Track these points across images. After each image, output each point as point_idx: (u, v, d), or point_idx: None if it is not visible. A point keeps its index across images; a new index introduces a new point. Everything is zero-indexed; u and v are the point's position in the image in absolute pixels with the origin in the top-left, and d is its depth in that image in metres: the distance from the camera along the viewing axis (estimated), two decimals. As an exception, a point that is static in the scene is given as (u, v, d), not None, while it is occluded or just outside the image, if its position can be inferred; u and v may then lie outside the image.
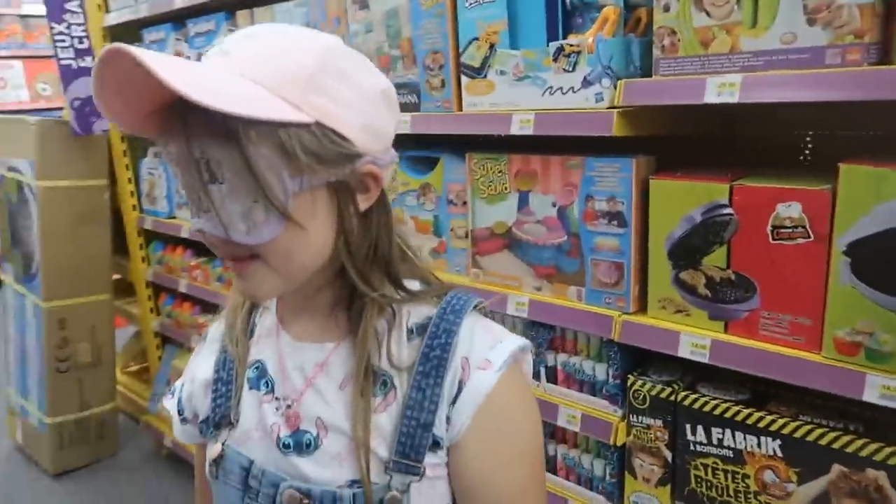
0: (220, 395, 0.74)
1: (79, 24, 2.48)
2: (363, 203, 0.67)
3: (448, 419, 0.67)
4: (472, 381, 0.67)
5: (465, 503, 0.70)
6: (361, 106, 0.64)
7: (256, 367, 0.73)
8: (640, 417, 1.28)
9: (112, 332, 2.86)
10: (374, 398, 0.67)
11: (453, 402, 0.67)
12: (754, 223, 1.07)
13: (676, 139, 1.29)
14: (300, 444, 0.68)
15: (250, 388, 0.73)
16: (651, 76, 1.14)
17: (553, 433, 1.47)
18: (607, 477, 1.37)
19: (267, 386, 0.72)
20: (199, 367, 0.79)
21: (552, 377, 1.42)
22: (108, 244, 2.77)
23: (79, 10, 2.46)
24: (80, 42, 2.48)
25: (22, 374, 2.92)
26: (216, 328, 0.80)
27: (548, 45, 1.25)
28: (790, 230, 1.04)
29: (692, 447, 1.21)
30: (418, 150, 1.59)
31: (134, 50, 0.53)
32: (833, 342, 1.02)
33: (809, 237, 1.02)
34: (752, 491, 1.15)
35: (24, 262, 2.80)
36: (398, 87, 1.54)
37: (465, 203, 1.48)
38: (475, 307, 0.72)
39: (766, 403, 1.14)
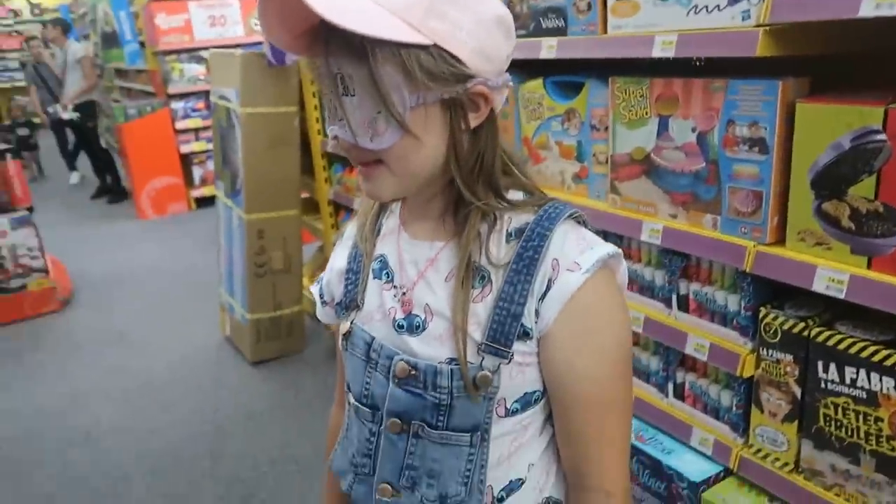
0: (350, 282, 0.87)
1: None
2: (473, 121, 0.74)
3: (537, 313, 0.74)
4: (560, 280, 0.73)
5: (554, 392, 0.77)
6: (476, 31, 0.70)
7: (380, 260, 0.85)
8: (770, 351, 1.24)
9: (300, 243, 3.23)
10: (473, 290, 0.76)
11: (542, 297, 0.73)
12: (908, 150, 0.98)
13: (833, 60, 1.19)
14: (411, 325, 0.79)
15: (374, 278, 0.84)
16: (804, -11, 1.06)
17: (682, 360, 1.47)
18: (733, 408, 1.35)
19: (387, 276, 0.83)
20: (336, 258, 0.92)
21: (683, 305, 1.41)
22: (298, 165, 3.09)
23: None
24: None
25: (230, 276, 3.41)
26: (351, 227, 0.93)
27: (695, -39, 1.19)
28: (950, 158, 0.94)
29: (823, 385, 1.16)
30: (564, 74, 1.61)
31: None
32: None
33: (972, 166, 0.92)
34: (884, 435, 1.09)
35: (231, 180, 3.23)
36: (546, 10, 1.55)
37: (606, 128, 1.48)
38: (571, 216, 0.78)
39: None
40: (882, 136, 1.01)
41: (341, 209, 3.06)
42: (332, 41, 0.68)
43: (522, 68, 1.71)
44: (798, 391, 1.22)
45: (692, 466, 1.41)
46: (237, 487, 2.36)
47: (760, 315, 1.25)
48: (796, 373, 1.21)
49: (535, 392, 0.78)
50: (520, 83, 1.71)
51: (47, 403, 3.05)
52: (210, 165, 6.22)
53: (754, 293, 1.27)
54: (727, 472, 1.39)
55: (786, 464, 1.27)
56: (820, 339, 1.15)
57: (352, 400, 0.85)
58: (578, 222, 0.78)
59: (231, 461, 2.51)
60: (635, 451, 1.50)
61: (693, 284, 1.39)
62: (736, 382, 1.34)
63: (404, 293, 0.80)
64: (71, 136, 7.46)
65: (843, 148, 1.06)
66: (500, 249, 0.76)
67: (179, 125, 6.38)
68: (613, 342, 0.75)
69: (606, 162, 1.50)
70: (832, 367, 1.14)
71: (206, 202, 6.12)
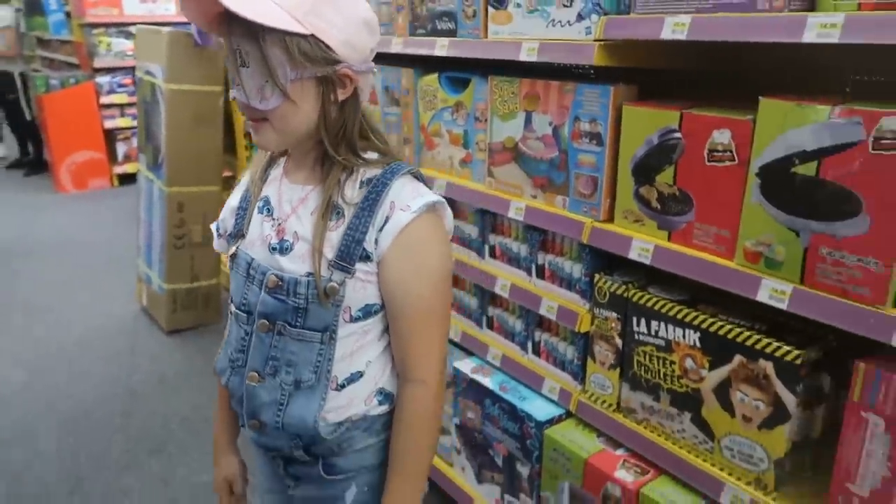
0: (239, 217, 1.07)
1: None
2: (340, 95, 0.95)
3: (376, 241, 0.96)
4: (394, 217, 0.96)
5: (388, 304, 1.00)
6: (345, 27, 0.92)
7: (264, 200, 1.05)
8: (600, 310, 1.51)
9: (219, 219, 3.35)
10: (330, 222, 0.97)
11: (380, 229, 0.96)
12: (696, 146, 1.25)
13: (675, 73, 1.46)
14: (282, 247, 1.00)
15: (258, 213, 1.05)
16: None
17: (540, 321, 1.72)
18: (575, 360, 1.62)
19: (268, 211, 1.04)
20: (232, 199, 1.12)
21: (540, 273, 1.67)
22: (220, 143, 3.22)
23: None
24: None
25: (148, 248, 3.50)
26: (246, 175, 1.13)
27: (552, -17, 1.44)
28: (721, 153, 1.22)
29: (636, 337, 1.43)
30: (457, 71, 1.84)
31: None
32: (743, 251, 1.20)
33: (735, 160, 1.20)
34: (676, 375, 1.37)
35: (154, 154, 3.32)
36: (441, 14, 1.78)
37: (486, 120, 1.72)
38: (409, 172, 1.00)
39: (697, 304, 1.34)
40: (678, 134, 1.28)
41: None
42: (234, 24, 0.89)
43: (422, 64, 1.94)
44: (620, 343, 1.48)
45: (540, 410, 1.67)
46: (146, 442, 2.49)
47: (595, 280, 1.51)
48: (619, 328, 1.48)
49: (374, 305, 1.00)
50: (419, 76, 1.93)
51: (-46, 364, 3.08)
52: (136, 142, 6.18)
53: (591, 262, 1.53)
54: (569, 415, 1.66)
55: (610, 405, 1.54)
56: (635, 298, 1.42)
57: (232, 308, 1.05)
58: (416, 177, 1.01)
59: (141, 419, 2.63)
60: (497, 399, 1.75)
61: (548, 256, 1.65)
62: (577, 338, 1.60)
63: (280, 224, 1.01)
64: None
65: (653, 143, 1.33)
66: (353, 193, 0.98)
67: (104, 100, 6.31)
68: (434, 267, 0.99)
69: (485, 149, 1.74)
70: (643, 321, 1.41)
71: (130, 179, 6.07)
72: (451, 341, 2.03)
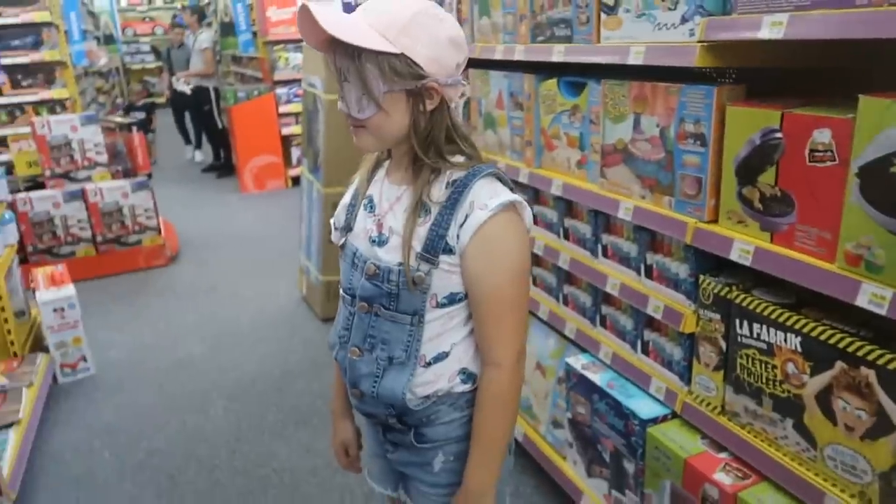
0: (349, 213, 1.23)
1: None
2: (428, 105, 1.08)
3: (458, 237, 1.07)
4: (473, 215, 1.06)
5: (469, 292, 1.11)
6: (432, 46, 1.04)
7: (369, 198, 1.20)
8: (705, 311, 1.50)
9: (369, 217, 3.64)
10: (419, 219, 1.10)
11: (461, 226, 1.07)
12: (797, 146, 1.23)
13: (783, 72, 1.43)
14: (380, 240, 1.14)
15: (363, 210, 1.20)
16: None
17: (649, 322, 1.73)
18: (681, 361, 1.62)
19: (371, 209, 1.18)
20: (345, 197, 1.28)
21: (649, 274, 1.68)
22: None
23: (359, -43, 3.10)
24: (358, -16, 3.13)
25: (308, 242, 3.87)
26: (357, 175, 1.29)
27: (659, -13, 1.46)
28: (822, 153, 1.18)
29: (739, 339, 1.42)
30: (575, 76, 1.90)
31: (311, 6, 1.00)
32: (844, 254, 1.16)
33: (835, 160, 1.16)
34: (778, 379, 1.34)
35: (314, 158, 3.68)
36: (557, 21, 1.85)
37: (599, 122, 1.77)
38: (490, 174, 1.10)
39: (801, 308, 1.31)
40: (779, 135, 1.26)
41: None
42: (337, 45, 1.04)
43: (545, 69, 2.02)
44: (724, 345, 1.47)
45: (646, 408, 1.69)
46: (295, 415, 2.79)
47: (700, 281, 1.51)
48: (722, 329, 1.46)
49: (458, 293, 1.11)
50: (540, 81, 2.01)
51: (150, 338, 3.63)
52: (306, 147, 6.79)
53: (696, 263, 1.53)
54: (674, 415, 1.66)
55: (714, 407, 1.53)
56: (738, 300, 1.40)
57: (341, 292, 1.21)
58: (497, 178, 1.11)
59: (294, 396, 2.95)
60: (604, 396, 1.79)
61: (657, 256, 1.66)
62: (683, 339, 1.60)
63: (379, 219, 1.15)
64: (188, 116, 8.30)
65: (755, 143, 1.31)
66: (439, 193, 1.09)
67: (282, 109, 6.98)
68: (509, 261, 1.08)
69: (599, 151, 1.79)
70: (745, 324, 1.40)
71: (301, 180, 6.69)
72: (566, 338, 2.09)
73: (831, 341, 1.21)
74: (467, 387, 1.17)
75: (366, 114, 1.06)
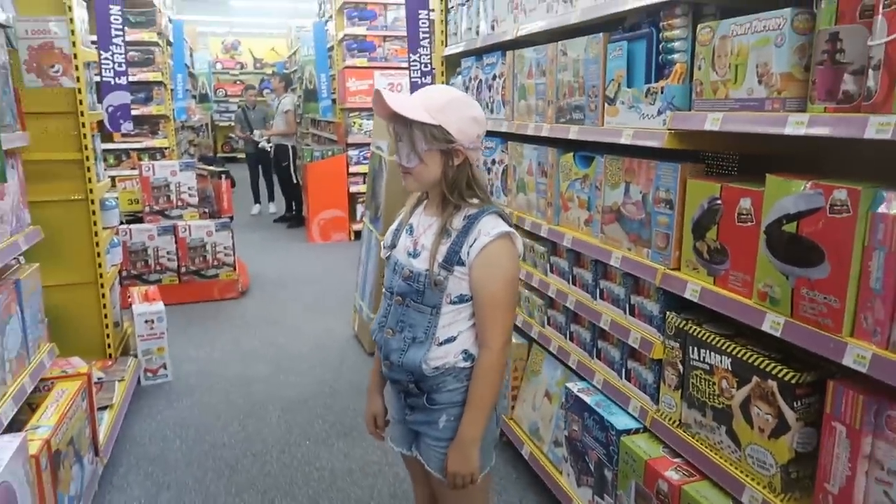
0: (395, 235, 1.69)
1: (427, 54, 3.71)
2: (455, 161, 1.55)
3: (468, 253, 1.52)
4: (479, 239, 1.51)
5: (473, 294, 1.54)
6: (459, 122, 1.52)
7: (410, 225, 1.66)
8: (668, 341, 1.87)
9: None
10: (442, 240, 1.55)
11: (471, 246, 1.52)
12: (730, 210, 1.62)
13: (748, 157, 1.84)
14: (414, 254, 1.60)
15: (405, 233, 1.66)
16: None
17: (632, 352, 2.10)
18: (653, 383, 1.97)
19: (410, 232, 1.64)
20: (393, 225, 1.74)
21: (632, 312, 2.06)
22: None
23: (427, 44, 3.68)
24: (426, 66, 3.70)
25: (364, 284, 4.35)
26: (402, 210, 1.74)
27: (644, 86, 1.91)
28: (745, 216, 1.58)
29: (691, 362, 1.78)
30: (585, 150, 2.34)
31: (383, 92, 1.49)
32: (757, 292, 1.54)
33: (753, 221, 1.55)
34: (716, 393, 1.69)
35: (375, 209, 4.20)
36: (574, 107, 2.31)
37: (598, 188, 2.19)
38: (495, 213, 1.55)
39: (736, 337, 1.67)
40: (719, 201, 1.66)
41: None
42: (397, 117, 1.53)
43: (560, 144, 2.47)
44: (681, 368, 1.83)
45: (622, 422, 2.04)
46: (338, 427, 3.20)
47: (666, 316, 1.89)
48: (680, 355, 1.83)
49: (466, 294, 1.55)
50: (560, 154, 2.46)
51: (220, 356, 4.13)
52: (370, 204, 7.41)
53: (665, 302, 1.91)
54: (644, 429, 2.00)
55: (674, 421, 1.87)
56: (691, 331, 1.77)
57: (384, 290, 1.66)
58: (499, 216, 1.56)
59: (338, 412, 3.36)
60: (592, 413, 2.15)
61: (638, 297, 2.04)
62: (653, 364, 1.96)
63: (415, 240, 1.61)
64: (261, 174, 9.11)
65: (704, 207, 1.71)
66: (458, 223, 1.55)
67: (352, 169, 7.66)
68: (501, 272, 1.52)
69: (600, 211, 2.21)
70: (696, 349, 1.76)
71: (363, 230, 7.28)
72: (570, 368, 2.46)
73: (749, 360, 1.57)
74: (468, 364, 1.58)
75: (412, 164, 1.54)
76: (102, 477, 2.69)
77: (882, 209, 1.25)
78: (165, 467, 2.87)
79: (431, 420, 1.63)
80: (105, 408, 2.97)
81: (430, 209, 1.64)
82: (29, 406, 2.31)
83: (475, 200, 1.58)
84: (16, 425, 2.11)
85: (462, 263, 1.53)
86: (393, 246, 1.69)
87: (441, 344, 1.58)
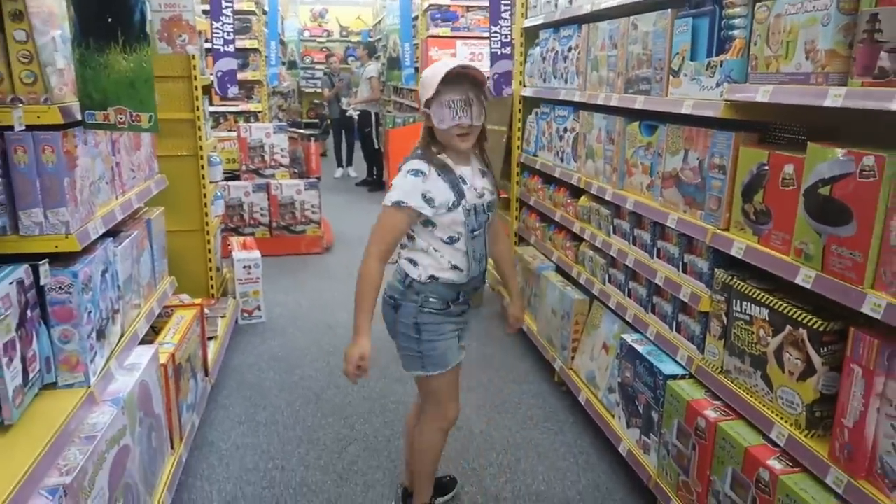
0: (457, 187, 1.94)
1: (507, 26, 3.89)
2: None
3: None
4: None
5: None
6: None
7: (461, 178, 1.93)
8: (715, 295, 2.05)
9: (491, 227, 4.34)
10: (485, 177, 1.89)
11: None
12: (775, 176, 1.78)
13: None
14: (480, 194, 1.93)
15: (464, 184, 1.93)
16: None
17: (683, 306, 2.28)
18: (699, 335, 2.16)
19: (465, 182, 1.92)
20: (434, 186, 1.96)
21: (685, 269, 2.24)
22: (501, 169, 4.21)
23: (508, 17, 3.86)
24: (506, 38, 3.89)
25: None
26: (427, 175, 1.95)
27: (705, 60, 2.06)
28: (788, 181, 1.74)
29: (734, 314, 1.96)
30: (649, 119, 2.50)
31: (465, 63, 1.81)
32: (794, 249, 1.70)
33: (795, 186, 1.71)
34: (753, 342, 1.87)
35: (452, 174, 4.45)
36: (641, 79, 2.47)
37: (660, 155, 2.36)
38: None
39: (775, 291, 1.84)
40: (766, 167, 1.82)
41: (524, 206, 4.11)
42: (470, 83, 1.79)
43: (626, 114, 2.64)
44: (725, 320, 2.01)
45: (669, 368, 2.24)
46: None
47: (714, 273, 2.06)
48: (725, 308, 2.01)
49: None
50: (627, 123, 2.63)
51: (306, 303, 4.53)
52: (448, 171, 7.67)
53: (714, 260, 2.08)
54: (690, 376, 2.20)
55: (717, 368, 2.06)
56: (734, 286, 1.95)
57: (468, 233, 1.96)
58: None
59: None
60: (643, 360, 2.35)
61: (691, 256, 2.22)
62: (701, 317, 2.15)
63: (473, 186, 1.91)
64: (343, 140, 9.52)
65: (753, 173, 1.87)
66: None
67: (431, 136, 7.91)
68: None
69: (660, 176, 2.38)
70: (738, 302, 1.94)
71: (439, 199, 7.57)
72: (627, 322, 2.66)
73: (783, 311, 1.74)
74: None
75: (480, 121, 1.83)
76: (210, 396, 3.10)
77: (905, 174, 1.40)
78: (261, 392, 3.26)
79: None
80: (211, 339, 3.38)
81: (462, 160, 1.96)
82: (153, 329, 2.71)
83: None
84: (144, 342, 2.51)
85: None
86: (462, 197, 1.93)
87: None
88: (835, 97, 1.53)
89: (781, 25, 1.73)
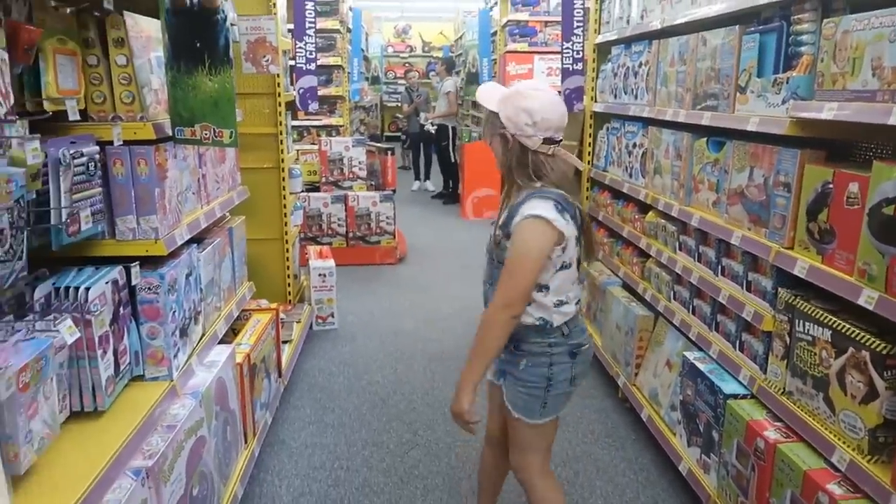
0: None
1: (579, 42, 3.93)
2: (508, 144, 1.82)
3: (510, 227, 1.79)
4: (516, 217, 1.77)
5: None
6: (509, 110, 1.80)
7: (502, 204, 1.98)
8: (779, 314, 2.02)
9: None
10: (503, 213, 1.85)
11: (511, 221, 1.79)
12: (840, 194, 1.75)
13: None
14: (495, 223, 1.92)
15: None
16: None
17: (747, 326, 2.25)
18: (762, 354, 2.12)
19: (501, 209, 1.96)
20: None
21: (748, 287, 2.21)
22: (569, 184, 4.22)
23: (581, 32, 3.90)
24: (577, 54, 3.92)
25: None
26: None
27: (771, 76, 2.05)
28: (853, 199, 1.70)
29: (797, 335, 1.92)
30: (716, 137, 2.48)
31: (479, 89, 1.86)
32: (857, 269, 1.67)
33: (860, 205, 1.67)
34: (816, 363, 1.83)
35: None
36: (709, 95, 2.46)
37: (727, 172, 2.34)
38: (540, 196, 1.78)
39: (839, 313, 1.79)
40: (831, 185, 1.78)
41: (593, 220, 4.10)
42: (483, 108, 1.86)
43: (693, 130, 2.62)
44: (788, 340, 1.97)
45: (730, 388, 2.21)
46: (476, 380, 3.58)
47: (778, 292, 2.03)
48: (788, 328, 1.97)
49: None
50: (694, 139, 2.62)
51: (378, 312, 4.67)
52: (522, 184, 7.71)
53: (777, 279, 2.05)
54: (751, 396, 2.16)
55: (779, 389, 2.02)
56: (797, 306, 1.91)
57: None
58: (544, 198, 1.77)
59: (477, 367, 3.74)
60: (705, 379, 2.33)
61: (755, 274, 2.19)
62: (763, 336, 2.11)
63: (500, 216, 1.91)
64: (421, 154, 9.70)
65: (818, 191, 1.84)
66: (515, 201, 1.82)
67: (506, 150, 7.98)
68: (517, 246, 1.75)
69: (727, 193, 2.35)
70: (801, 323, 1.90)
71: (513, 213, 7.61)
72: (690, 340, 2.63)
73: (846, 333, 1.70)
74: (540, 324, 1.87)
75: (487, 142, 1.90)
76: (282, 397, 3.26)
77: (972, 195, 1.36)
78: (331, 395, 3.40)
79: (514, 361, 1.90)
80: (286, 342, 3.56)
81: (516, 191, 1.90)
82: (231, 330, 2.89)
83: (536, 183, 1.80)
84: (223, 342, 2.68)
85: (509, 237, 1.79)
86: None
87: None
88: (899, 115, 1.50)
89: (849, 42, 1.70)
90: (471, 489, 2.61)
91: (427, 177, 10.10)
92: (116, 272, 1.84)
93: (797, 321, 1.92)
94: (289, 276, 4.12)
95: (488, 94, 1.86)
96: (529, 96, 1.79)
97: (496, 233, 1.85)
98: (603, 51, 3.89)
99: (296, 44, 4.17)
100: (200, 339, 2.30)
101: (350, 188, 5.96)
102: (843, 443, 1.72)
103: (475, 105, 10.10)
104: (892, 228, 1.54)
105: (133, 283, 1.90)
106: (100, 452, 1.62)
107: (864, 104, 1.64)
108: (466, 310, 4.67)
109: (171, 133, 2.00)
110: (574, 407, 3.28)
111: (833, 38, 1.77)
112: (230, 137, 1.94)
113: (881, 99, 1.60)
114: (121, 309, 1.86)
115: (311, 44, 4.13)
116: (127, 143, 1.87)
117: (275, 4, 3.55)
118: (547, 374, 1.86)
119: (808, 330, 1.87)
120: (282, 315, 3.81)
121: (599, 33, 3.89)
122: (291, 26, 4.36)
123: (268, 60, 2.78)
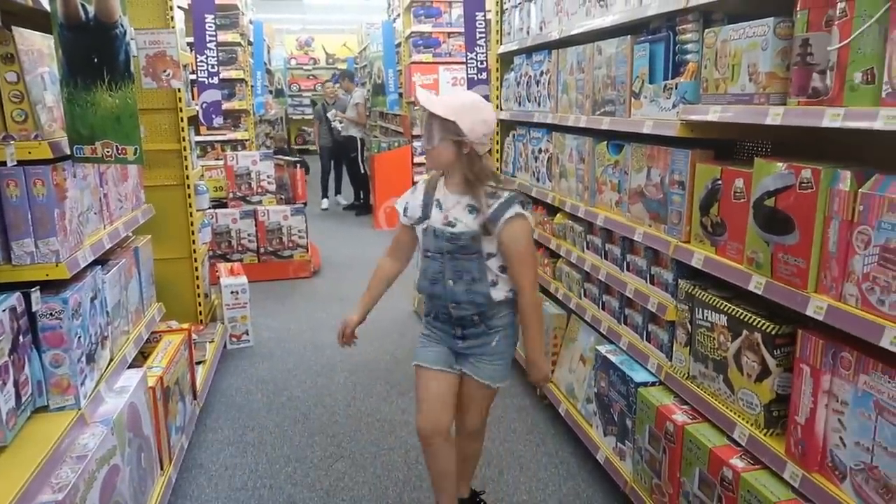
0: (426, 208, 2.05)
1: (483, 52, 4.03)
2: (464, 150, 1.92)
3: (495, 225, 1.87)
4: (503, 220, 1.87)
5: (507, 260, 1.92)
6: (470, 121, 1.89)
7: (438, 200, 2.02)
8: (680, 304, 2.15)
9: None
10: (474, 214, 1.91)
11: (499, 226, 1.87)
12: (728, 190, 1.89)
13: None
14: (449, 223, 1.97)
15: (435, 207, 2.02)
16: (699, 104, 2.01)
17: (652, 317, 2.38)
18: (668, 343, 2.25)
19: (440, 206, 2.01)
20: (412, 200, 2.10)
21: (651, 280, 2.35)
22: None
23: (484, 43, 4.01)
24: (481, 64, 4.03)
25: (424, 264, 4.73)
26: (417, 189, 2.11)
27: (662, 83, 2.19)
28: (739, 194, 1.85)
29: (697, 322, 2.06)
30: (616, 140, 2.62)
31: (420, 93, 1.89)
32: (746, 258, 1.81)
33: (745, 199, 1.82)
34: (716, 347, 1.97)
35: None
36: (607, 101, 2.59)
37: (628, 173, 2.48)
38: (515, 200, 1.89)
39: (733, 299, 1.94)
40: (720, 182, 1.93)
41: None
42: (428, 112, 1.90)
43: (595, 134, 2.76)
44: (689, 327, 2.11)
45: (640, 376, 2.33)
46: (397, 387, 3.59)
47: (678, 284, 2.16)
48: (689, 316, 2.11)
49: (493, 252, 1.94)
50: (596, 143, 2.75)
51: (294, 326, 4.60)
52: (433, 193, 7.79)
53: (678, 271, 2.19)
54: (660, 383, 2.29)
55: (684, 374, 2.15)
56: (696, 295, 2.05)
57: (427, 253, 2.02)
58: (516, 199, 1.92)
59: (398, 375, 3.75)
60: (617, 370, 2.44)
61: (657, 268, 2.33)
62: (668, 326, 2.24)
63: (446, 213, 1.97)
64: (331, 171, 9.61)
65: (708, 188, 1.99)
66: (485, 205, 1.91)
67: (417, 159, 8.06)
68: (519, 238, 1.88)
69: (627, 193, 2.49)
70: (700, 310, 2.04)
71: (425, 221, 7.67)
72: (601, 334, 2.75)
73: (739, 317, 1.84)
74: (511, 296, 2.05)
75: (429, 146, 1.96)
76: (199, 418, 3.16)
77: (839, 186, 1.51)
78: (250, 414, 3.33)
79: (488, 341, 2.07)
80: (199, 363, 3.45)
81: (453, 187, 2.01)
82: (141, 354, 2.78)
83: (492, 183, 1.98)
84: (133, 366, 2.58)
85: (490, 232, 1.94)
86: (426, 217, 2.05)
87: (493, 285, 2.01)
88: (775, 116, 1.65)
89: (728, 50, 1.85)
90: (399, 499, 2.62)
91: (338, 191, 10.02)
92: (14, 299, 1.74)
93: (697, 309, 2.06)
94: (199, 296, 3.99)
95: (439, 102, 1.94)
96: (485, 108, 1.98)
97: (471, 230, 1.95)
98: (506, 60, 4.02)
99: (197, 57, 4.07)
100: (109, 364, 2.21)
101: (259, 203, 5.84)
102: (743, 419, 1.86)
103: (383, 115, 10.12)
104: (773, 219, 1.69)
105: (34, 309, 1.80)
106: (4, 489, 1.52)
107: (743, 107, 1.79)
108: (386, 321, 4.67)
109: (69, 152, 1.92)
110: (496, 408, 3.34)
111: (714, 46, 1.91)
112: (135, 154, 1.88)
113: (758, 101, 1.75)
114: (20, 337, 1.76)
115: (213, 57, 4.05)
116: (21, 163, 1.78)
117: (172, 18, 3.46)
118: (514, 338, 2.17)
119: (707, 317, 2.00)
120: (194, 335, 3.68)
121: (501, 44, 4.01)
122: (191, 40, 4.25)
123: (168, 75, 2.70)
